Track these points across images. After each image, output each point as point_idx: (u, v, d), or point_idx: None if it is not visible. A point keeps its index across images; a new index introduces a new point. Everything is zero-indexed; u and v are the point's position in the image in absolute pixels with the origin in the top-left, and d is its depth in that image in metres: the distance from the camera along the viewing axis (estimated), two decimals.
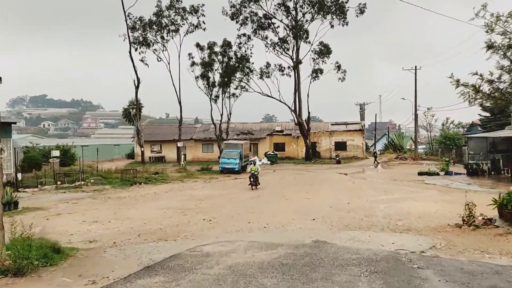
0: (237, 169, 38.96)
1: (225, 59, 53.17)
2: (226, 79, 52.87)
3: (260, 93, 53.44)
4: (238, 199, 22.82)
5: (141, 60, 51.50)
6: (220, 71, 53.58)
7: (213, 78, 54.92)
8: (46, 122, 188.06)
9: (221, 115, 56.02)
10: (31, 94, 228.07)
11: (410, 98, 57.49)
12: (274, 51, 52.78)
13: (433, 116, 76.06)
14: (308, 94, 53.95)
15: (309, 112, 53.81)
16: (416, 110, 54.38)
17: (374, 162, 47.58)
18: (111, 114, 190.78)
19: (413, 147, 78.25)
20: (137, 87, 52.54)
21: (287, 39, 51.67)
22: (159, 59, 52.06)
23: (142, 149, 54.47)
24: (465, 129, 51.36)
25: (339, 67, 52.31)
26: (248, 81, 53.66)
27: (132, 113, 55.35)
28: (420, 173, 34.72)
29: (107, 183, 30.93)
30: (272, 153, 52.89)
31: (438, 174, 34.20)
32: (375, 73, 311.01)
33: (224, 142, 42.07)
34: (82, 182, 30.63)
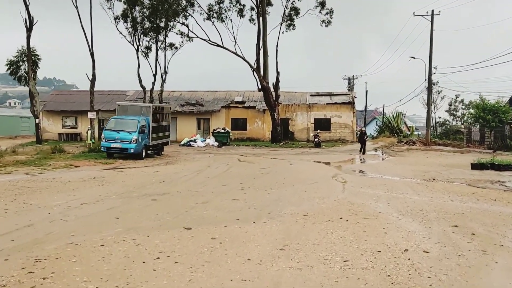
0: (133, 150, 20.28)
1: None
2: (156, 19, 33.84)
3: (207, 41, 34.38)
4: None
5: None
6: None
7: (143, 23, 35.82)
8: (12, 100, 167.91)
9: (154, 76, 37.05)
10: (2, 71, 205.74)
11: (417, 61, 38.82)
12: None
13: (438, 93, 58.38)
14: (277, 47, 35.25)
15: (278, 72, 35.11)
16: (430, 72, 35.89)
17: (361, 150, 26.47)
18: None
19: (412, 131, 60.41)
20: (29, 30, 33.42)
21: None
22: None
23: (37, 120, 35.58)
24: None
25: (322, 4, 33.39)
26: (186, 19, 34.47)
27: (24, 69, 36.07)
28: (477, 165, 16.47)
29: None
30: (223, 131, 34.14)
31: None
32: (363, 57, 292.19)
33: (118, 103, 23.53)
34: None
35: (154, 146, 22.75)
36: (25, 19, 33.21)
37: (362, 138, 27.18)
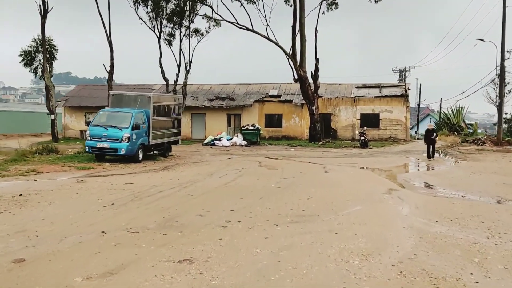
0: (125, 151, 15.76)
1: None
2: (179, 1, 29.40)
3: (234, 24, 29.49)
4: None
5: None
6: None
7: (166, 8, 31.48)
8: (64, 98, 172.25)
9: (178, 66, 32.56)
10: (57, 72, 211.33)
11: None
12: None
13: (505, 86, 50.25)
14: (316, 30, 29.71)
15: (317, 60, 29.57)
16: (503, 57, 29.19)
17: (428, 154, 19.23)
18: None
19: (475, 129, 52.52)
20: (44, 16, 29.99)
21: None
22: None
23: (53, 116, 32.38)
24: None
25: None
26: None
27: (39, 60, 32.77)
28: None
29: None
30: (252, 128, 29.16)
31: None
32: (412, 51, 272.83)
33: (110, 92, 18.94)
34: None
35: (158, 146, 18.13)
36: (39, 5, 29.79)
37: (429, 138, 19.33)
